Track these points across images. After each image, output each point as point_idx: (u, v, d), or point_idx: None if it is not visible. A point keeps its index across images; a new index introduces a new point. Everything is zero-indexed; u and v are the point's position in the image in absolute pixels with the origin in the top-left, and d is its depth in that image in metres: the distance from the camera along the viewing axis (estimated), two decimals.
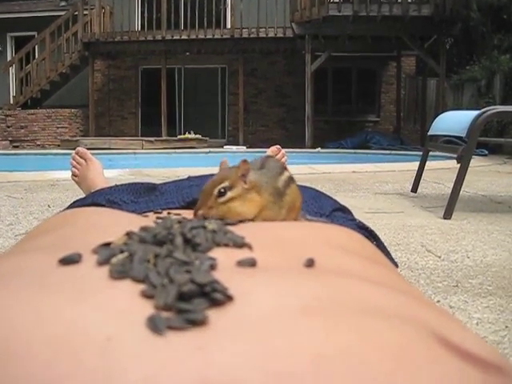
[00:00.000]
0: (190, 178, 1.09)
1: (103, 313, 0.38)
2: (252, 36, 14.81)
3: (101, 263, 0.46)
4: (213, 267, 0.47)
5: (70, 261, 0.46)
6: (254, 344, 0.36)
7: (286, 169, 0.83)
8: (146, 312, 0.38)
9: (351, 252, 0.64)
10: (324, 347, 0.36)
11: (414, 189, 4.67)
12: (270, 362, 0.34)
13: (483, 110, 3.46)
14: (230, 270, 0.48)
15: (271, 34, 14.71)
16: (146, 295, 0.41)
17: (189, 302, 0.40)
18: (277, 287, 0.45)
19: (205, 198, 0.73)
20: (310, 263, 0.53)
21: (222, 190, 0.72)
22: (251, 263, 0.50)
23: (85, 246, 0.50)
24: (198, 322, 0.37)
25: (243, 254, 0.53)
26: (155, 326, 0.37)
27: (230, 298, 0.41)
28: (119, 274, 0.43)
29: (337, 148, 13.33)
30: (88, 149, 2.28)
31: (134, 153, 12.06)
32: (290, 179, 0.82)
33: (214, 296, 0.40)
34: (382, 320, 0.41)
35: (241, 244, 0.55)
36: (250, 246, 0.55)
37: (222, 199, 0.72)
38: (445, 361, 0.38)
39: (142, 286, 0.42)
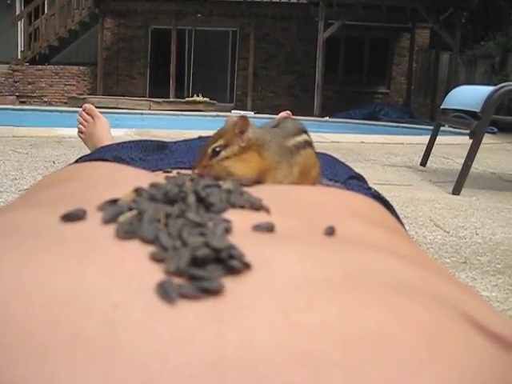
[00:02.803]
0: (201, 138, 1.05)
1: (109, 276, 0.34)
2: (265, 0, 14.58)
3: (107, 221, 0.42)
4: (227, 230, 0.43)
5: (73, 217, 0.42)
6: (276, 319, 0.32)
7: (305, 132, 0.78)
8: (156, 277, 0.35)
9: (372, 221, 0.61)
10: (353, 326, 0.32)
11: (423, 162, 4.63)
12: (294, 340, 0.31)
13: (500, 85, 3.39)
14: (246, 235, 0.44)
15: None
16: (156, 258, 0.37)
17: (203, 268, 0.36)
18: (297, 256, 0.41)
19: (200, 157, 0.70)
20: (330, 231, 0.49)
21: (218, 149, 0.69)
22: (269, 228, 0.46)
23: (90, 202, 0.46)
24: (212, 291, 0.34)
25: (260, 217, 0.49)
26: (166, 293, 0.33)
27: (247, 266, 0.37)
28: (127, 233, 0.39)
29: (345, 118, 13.21)
30: (95, 107, 2.23)
31: (142, 113, 11.99)
32: (307, 143, 0.78)
33: (230, 263, 0.36)
34: (411, 297, 0.37)
35: (258, 206, 0.51)
36: (267, 210, 0.51)
37: (216, 158, 0.68)
38: (479, 345, 0.34)
39: (151, 248, 0.38)
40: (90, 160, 0.99)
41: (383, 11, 13.77)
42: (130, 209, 0.43)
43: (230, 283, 0.35)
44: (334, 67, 15.90)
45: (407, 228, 2.37)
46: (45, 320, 0.30)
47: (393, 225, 0.66)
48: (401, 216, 2.70)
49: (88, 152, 1.86)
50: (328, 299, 0.35)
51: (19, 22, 15.77)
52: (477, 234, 2.37)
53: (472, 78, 13.23)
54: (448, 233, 2.36)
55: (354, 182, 1.03)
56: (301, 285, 0.36)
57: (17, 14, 16.52)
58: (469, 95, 3.69)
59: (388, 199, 1.03)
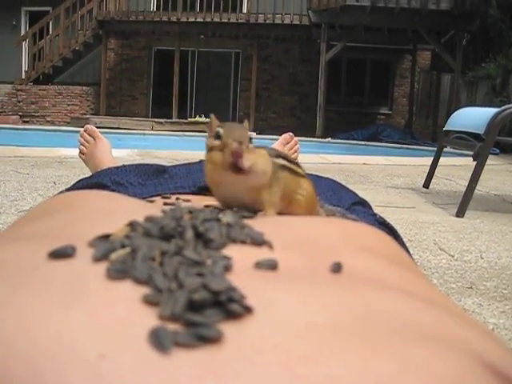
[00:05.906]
0: (201, 162, 1.03)
1: (97, 322, 0.31)
2: (268, 22, 14.68)
3: (97, 259, 0.39)
4: (227, 268, 0.40)
5: (61, 254, 0.39)
6: (279, 372, 0.29)
7: (283, 158, 0.73)
8: (149, 323, 0.32)
9: (379, 254, 0.58)
10: (363, 379, 0.29)
11: (426, 184, 4.60)
12: None
13: (503, 107, 3.37)
14: (247, 274, 0.42)
15: (287, 21, 14.59)
16: (150, 302, 0.34)
17: (200, 312, 0.33)
18: (302, 298, 0.38)
19: (238, 134, 0.60)
20: (337, 268, 0.46)
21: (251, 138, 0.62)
22: (272, 266, 0.43)
23: (81, 237, 0.43)
24: (210, 339, 0.31)
25: (262, 253, 0.46)
26: (159, 341, 0.30)
27: (248, 310, 0.34)
28: (118, 273, 0.36)
29: (347, 139, 13.21)
30: (97, 127, 2.22)
31: (144, 133, 12.02)
32: (285, 167, 0.71)
33: (230, 307, 0.33)
34: (425, 344, 0.34)
35: (260, 241, 0.48)
36: (270, 245, 0.48)
37: (252, 147, 0.62)
38: None
39: (144, 290, 0.35)
40: (88, 184, 0.97)
41: (385, 33, 13.86)
42: (123, 245, 0.40)
43: (229, 330, 0.32)
44: (336, 88, 15.97)
45: (411, 252, 2.34)
46: (25, 372, 0.27)
47: (401, 257, 0.63)
48: (404, 239, 2.66)
49: (89, 173, 1.84)
50: (335, 348, 0.32)
51: (24, 43, 15.90)
52: (482, 258, 2.33)
53: (473, 100, 13.25)
54: (453, 257, 2.32)
55: (358, 208, 1.01)
56: (306, 331, 0.33)
57: (22, 34, 16.65)
58: (471, 117, 3.68)
59: (391, 222, 1.00)
